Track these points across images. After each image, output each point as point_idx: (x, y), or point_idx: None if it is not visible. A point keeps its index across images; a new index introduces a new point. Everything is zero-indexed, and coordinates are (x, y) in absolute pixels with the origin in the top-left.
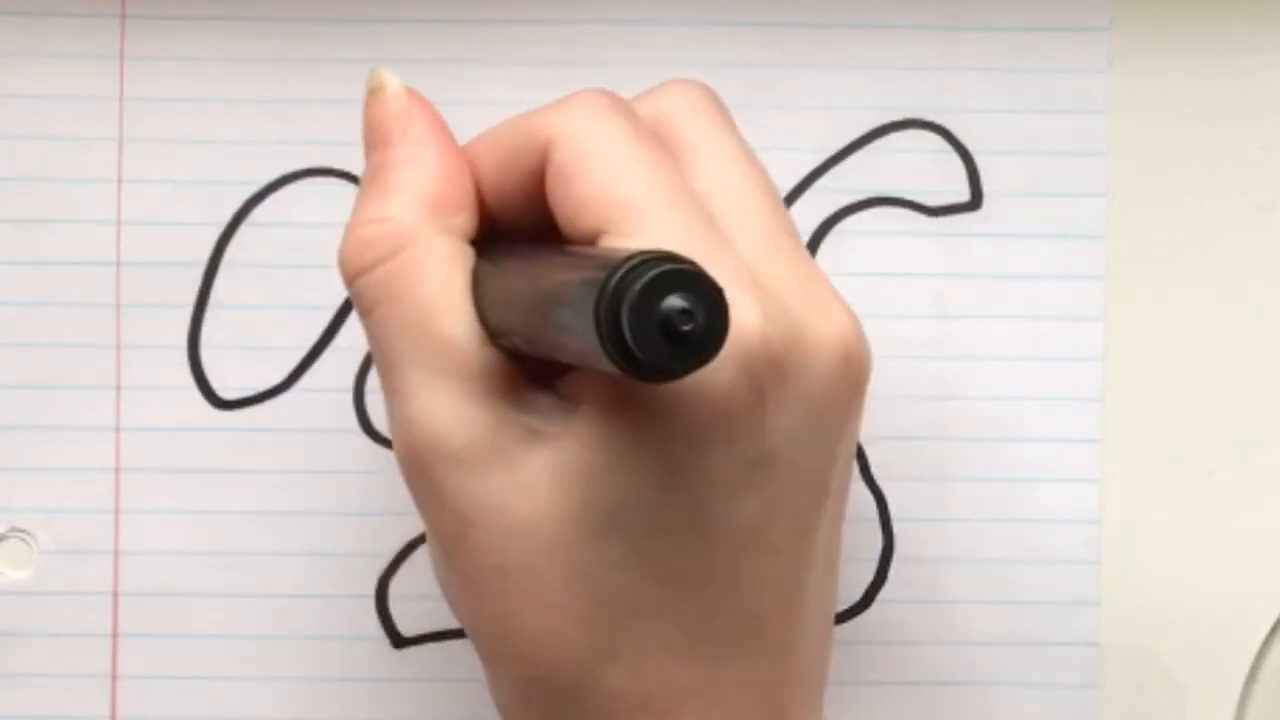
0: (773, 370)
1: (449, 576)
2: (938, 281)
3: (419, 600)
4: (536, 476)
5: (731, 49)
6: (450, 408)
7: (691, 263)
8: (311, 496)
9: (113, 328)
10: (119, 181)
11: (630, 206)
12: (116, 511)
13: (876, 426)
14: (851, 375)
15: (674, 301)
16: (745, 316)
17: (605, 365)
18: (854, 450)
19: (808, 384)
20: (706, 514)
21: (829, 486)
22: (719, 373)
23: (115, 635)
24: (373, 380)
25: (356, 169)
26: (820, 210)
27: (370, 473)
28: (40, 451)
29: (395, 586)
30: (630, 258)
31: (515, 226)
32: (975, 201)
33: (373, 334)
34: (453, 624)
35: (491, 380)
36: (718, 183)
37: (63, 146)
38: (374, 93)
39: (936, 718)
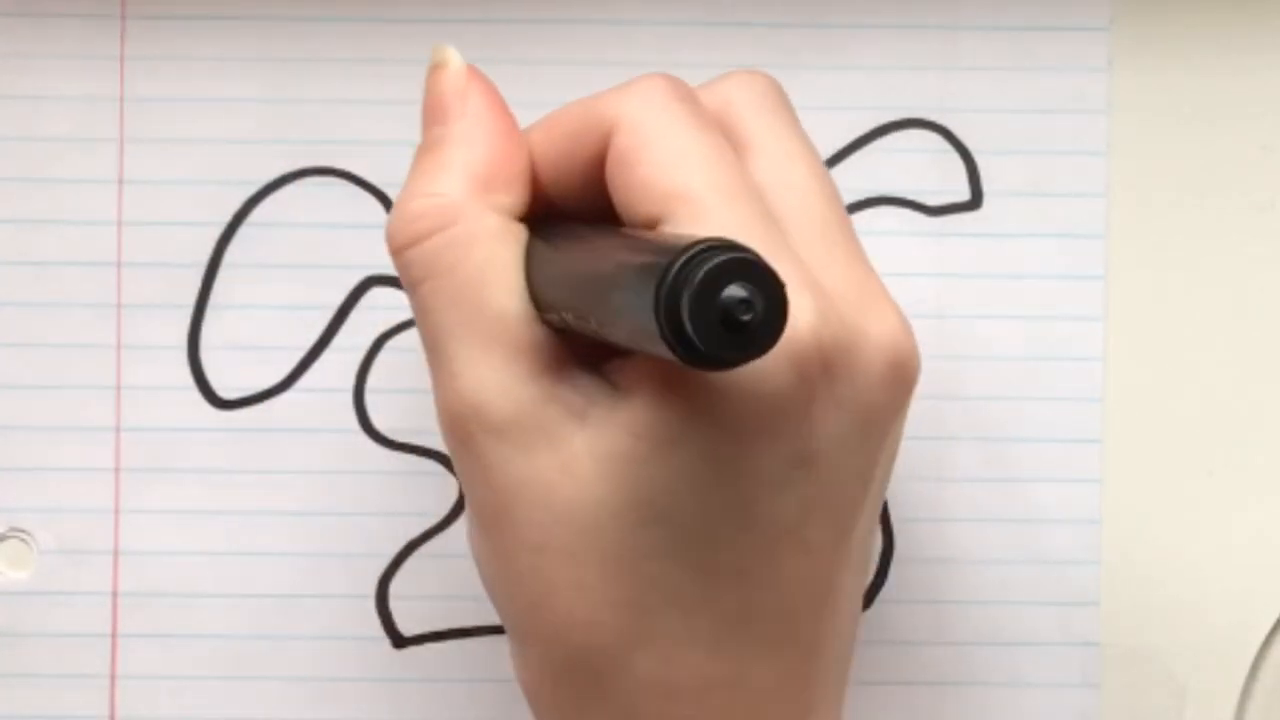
0: (823, 371)
1: (486, 553)
2: (937, 281)
3: (419, 600)
4: (580, 458)
5: (731, 49)
6: (497, 381)
7: (753, 252)
8: (311, 496)
9: (113, 328)
10: (119, 182)
11: (690, 197)
12: (116, 511)
13: None
14: (900, 381)
15: (734, 291)
16: (799, 316)
17: (659, 350)
18: (895, 455)
19: (856, 387)
20: (746, 509)
21: (868, 489)
22: (769, 370)
23: (115, 635)
24: (373, 380)
25: (356, 169)
26: None
27: (370, 473)
28: (40, 451)
29: (395, 586)
30: (692, 245)
31: (574, 210)
32: (975, 201)
33: (420, 308)
34: (453, 624)
35: (539, 355)
36: (778, 178)
37: (63, 147)
38: (435, 68)
39: (936, 718)
